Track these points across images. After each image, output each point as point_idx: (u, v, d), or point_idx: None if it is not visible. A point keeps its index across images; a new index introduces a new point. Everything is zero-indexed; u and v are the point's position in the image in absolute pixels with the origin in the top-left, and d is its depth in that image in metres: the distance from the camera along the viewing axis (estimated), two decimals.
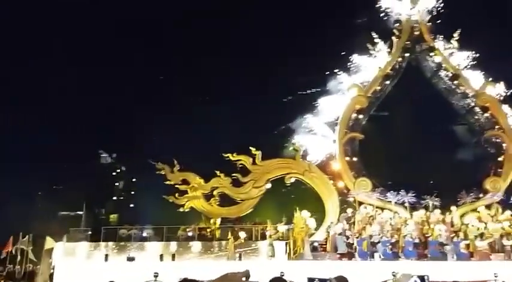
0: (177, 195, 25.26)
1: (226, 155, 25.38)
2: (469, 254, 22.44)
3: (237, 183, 25.63)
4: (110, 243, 23.60)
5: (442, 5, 28.61)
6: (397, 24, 28.70)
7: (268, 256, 22.37)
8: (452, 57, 27.98)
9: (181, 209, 25.16)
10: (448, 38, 28.26)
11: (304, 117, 27.42)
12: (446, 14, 28.62)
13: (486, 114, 27.07)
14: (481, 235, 22.94)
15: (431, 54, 28.23)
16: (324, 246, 23.91)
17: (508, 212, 24.40)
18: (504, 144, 26.28)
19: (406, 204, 24.91)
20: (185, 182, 25.45)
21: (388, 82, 27.84)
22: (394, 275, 17.82)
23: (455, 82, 27.71)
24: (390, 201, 25.06)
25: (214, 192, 25.49)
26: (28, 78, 32.95)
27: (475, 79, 27.68)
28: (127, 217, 26.69)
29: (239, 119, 30.82)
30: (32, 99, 31.52)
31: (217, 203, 25.48)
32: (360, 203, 25.22)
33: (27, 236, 23.68)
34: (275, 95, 30.97)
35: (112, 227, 24.90)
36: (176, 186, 25.32)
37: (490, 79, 27.28)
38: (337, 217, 24.89)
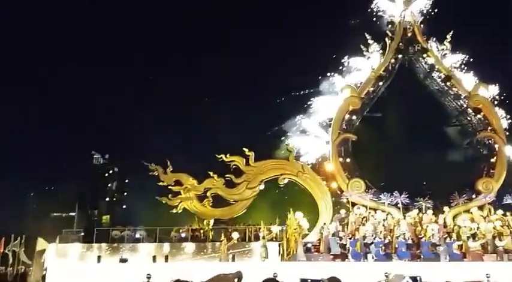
0: (170, 196, 25.19)
1: (219, 156, 25.34)
2: (461, 255, 22.54)
3: (230, 184, 25.60)
4: (103, 245, 23.45)
5: (434, 6, 28.76)
6: (390, 26, 28.83)
7: (261, 257, 22.35)
8: (445, 59, 28.14)
9: (174, 210, 25.09)
10: (440, 40, 28.39)
11: (298, 118, 27.51)
12: (439, 15, 28.77)
13: (479, 116, 27.22)
14: (474, 236, 23.04)
15: (424, 55, 28.38)
16: (317, 247, 23.92)
17: (500, 211, 24.54)
18: (496, 146, 26.42)
19: (400, 205, 24.97)
20: (178, 183, 25.38)
21: (381, 83, 27.95)
22: (386, 276, 17.89)
23: (448, 83, 27.87)
24: (383, 203, 25.11)
25: (208, 193, 25.44)
26: (18, 77, 32.86)
27: (468, 80, 27.83)
28: (120, 218, 26.60)
29: (232, 119, 30.75)
30: (23, 99, 31.39)
31: (211, 204, 25.44)
32: (353, 204, 25.27)
33: (19, 238, 23.52)
34: (268, 96, 30.99)
35: (105, 228, 24.76)
36: (169, 187, 25.25)
37: (483, 81, 27.41)
38: (331, 218, 24.92)
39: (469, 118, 27.71)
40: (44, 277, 22.26)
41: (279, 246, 22.90)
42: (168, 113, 30.30)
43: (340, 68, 28.28)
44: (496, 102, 27.39)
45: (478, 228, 23.58)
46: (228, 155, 25.44)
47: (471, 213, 25.06)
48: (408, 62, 28.80)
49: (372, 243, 22.60)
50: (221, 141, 28.72)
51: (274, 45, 33.00)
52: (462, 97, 27.64)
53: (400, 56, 28.44)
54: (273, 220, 24.20)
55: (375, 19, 29.31)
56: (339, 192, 25.96)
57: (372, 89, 27.72)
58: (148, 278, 18.83)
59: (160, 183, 25.21)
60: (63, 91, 33.21)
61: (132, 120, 31.05)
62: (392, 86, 28.23)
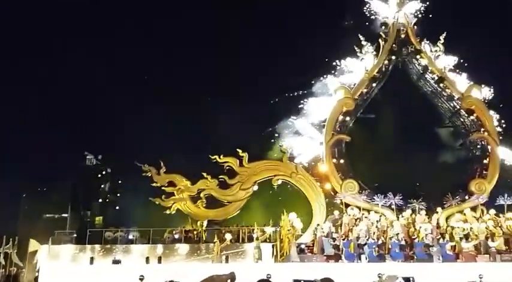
0: (163, 197, 25.12)
1: (213, 157, 25.31)
2: (454, 256, 22.62)
3: (224, 185, 25.57)
4: (96, 246, 23.33)
5: (428, 8, 28.86)
6: (384, 27, 28.91)
7: (255, 259, 22.32)
8: (438, 60, 28.24)
9: (167, 211, 25.02)
10: (434, 41, 28.49)
11: (292, 119, 27.53)
12: (433, 17, 28.88)
13: (472, 117, 27.35)
14: (466, 236, 23.14)
15: (417, 57, 28.48)
16: (311, 248, 23.93)
17: (492, 211, 24.66)
18: (489, 147, 26.54)
19: (393, 206, 25.03)
20: (172, 184, 25.31)
21: (374, 84, 28.02)
22: (380, 277, 17.95)
23: (441, 85, 27.98)
24: (377, 204, 25.17)
25: (201, 194, 25.39)
26: (13, 77, 32.67)
27: (461, 82, 27.95)
28: (113, 219, 26.46)
29: (226, 120, 30.69)
30: (13, 99, 31.20)
31: (204, 205, 25.40)
32: (347, 205, 25.30)
33: (11, 239, 23.35)
34: (262, 97, 30.96)
35: (98, 229, 24.63)
36: (162, 188, 25.18)
37: (476, 82, 27.54)
38: (324, 219, 24.94)
39: (462, 119, 27.83)
40: (36, 279, 22.12)
41: (273, 247, 22.87)
42: (162, 114, 30.20)
43: (334, 69, 28.32)
44: (488, 104, 27.49)
45: (471, 229, 23.68)
46: (221, 156, 25.43)
47: (464, 214, 25.14)
48: (402, 64, 28.90)
49: (366, 244, 22.64)
50: (215, 142, 28.65)
51: (268, 46, 32.98)
52: (455, 98, 27.75)
53: (393, 57, 28.53)
54: (266, 221, 24.18)
55: (368, 21, 29.40)
56: (332, 193, 25.98)
57: (365, 90, 27.79)
58: (141, 279, 18.80)
59: (154, 184, 25.13)
60: (55, 92, 33.05)
61: (125, 121, 30.91)
62: (385, 87, 28.32)
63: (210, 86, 32.78)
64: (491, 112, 27.15)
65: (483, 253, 22.65)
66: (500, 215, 24.51)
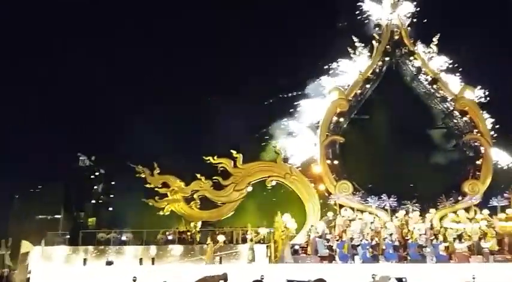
0: (156, 198, 25.04)
1: (207, 158, 25.26)
2: (448, 256, 22.66)
3: (217, 186, 25.53)
4: (89, 247, 23.24)
5: (421, 10, 28.93)
6: (378, 29, 28.94)
7: (248, 260, 22.27)
8: (432, 62, 28.30)
9: (161, 213, 24.94)
10: (427, 43, 28.56)
11: (286, 120, 27.52)
12: (426, 18, 28.96)
13: (465, 118, 27.40)
14: (460, 237, 23.20)
15: (411, 58, 28.50)
16: (305, 249, 23.91)
17: (485, 211, 24.75)
18: (482, 148, 26.62)
19: (387, 207, 25.07)
20: (165, 185, 25.23)
21: (368, 86, 28.03)
22: (373, 277, 17.99)
23: (435, 86, 28.02)
24: (371, 205, 25.20)
25: (195, 196, 25.33)
26: (6, 77, 32.52)
27: (454, 83, 28.03)
28: (106, 221, 26.37)
29: (220, 121, 30.71)
30: (7, 99, 31.05)
31: (198, 206, 25.34)
32: (341, 206, 25.31)
33: (3, 240, 23.21)
34: (256, 98, 30.99)
35: (91, 230, 24.52)
36: (156, 189, 25.10)
37: (469, 83, 27.64)
38: (318, 220, 24.92)
39: (455, 120, 27.88)
40: (28, 280, 21.96)
41: (267, 248, 22.83)
42: (155, 115, 30.17)
43: (328, 70, 28.32)
44: (482, 105, 27.58)
45: (464, 229, 23.74)
46: (215, 157, 25.37)
47: (457, 215, 25.19)
48: (395, 65, 28.92)
49: (359, 245, 22.65)
50: (209, 143, 28.62)
51: (261, 47, 33.04)
52: (449, 100, 27.82)
53: (387, 58, 28.55)
54: (260, 222, 24.15)
55: (362, 22, 29.41)
56: (326, 194, 25.98)
57: (359, 91, 27.80)
58: (135, 280, 18.77)
59: (147, 185, 25.04)
60: (48, 92, 32.94)
61: (118, 121, 30.88)
62: (379, 89, 28.33)
63: (204, 87, 32.82)
64: (485, 113, 27.23)
65: (476, 254, 22.70)
66: (493, 216, 24.57)
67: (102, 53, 33.39)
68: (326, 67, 28.30)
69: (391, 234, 23.15)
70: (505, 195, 25.36)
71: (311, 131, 26.97)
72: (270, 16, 33.98)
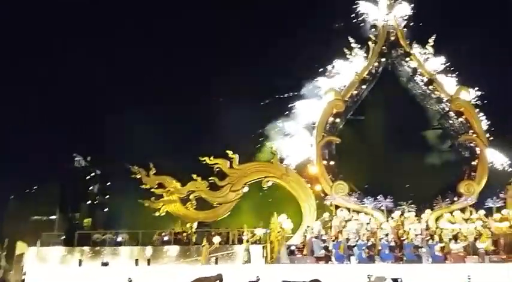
0: (152, 199, 25.00)
1: (203, 159, 25.23)
2: (443, 257, 22.70)
3: (214, 187, 25.50)
4: (84, 248, 23.17)
5: (417, 11, 29.00)
6: (374, 30, 29.00)
7: (243, 261, 22.23)
8: (428, 63, 28.37)
9: (157, 213, 24.89)
10: (423, 44, 28.62)
11: (282, 120, 27.55)
12: (422, 19, 29.03)
13: (460, 119, 27.47)
14: (455, 237, 23.25)
15: (407, 59, 28.55)
16: (301, 249, 23.92)
17: (481, 212, 24.82)
18: (478, 149, 26.70)
19: (383, 208, 25.11)
20: (161, 185, 25.19)
21: (364, 86, 28.08)
22: (369, 278, 18.03)
23: (430, 87, 28.09)
24: (367, 205, 25.25)
25: (191, 196, 25.30)
26: (6, 77, 32.42)
27: (450, 84, 28.10)
28: (101, 221, 26.29)
29: (216, 122, 30.65)
30: (3, 99, 30.94)
31: (194, 207, 25.32)
32: (337, 207, 25.33)
33: None
34: (252, 98, 30.97)
35: (86, 231, 24.45)
36: (152, 190, 25.05)
37: (464, 84, 27.72)
38: (314, 221, 24.94)
39: (451, 121, 27.95)
40: (23, 281, 21.88)
41: (263, 249, 22.82)
42: (151, 115, 30.09)
43: (324, 71, 28.34)
44: (477, 106, 27.68)
45: (460, 230, 23.80)
46: (211, 158, 25.34)
47: (453, 215, 25.25)
48: (391, 66, 29.00)
49: (355, 245, 22.67)
50: (205, 144, 28.58)
51: (257, 48, 32.96)
52: (444, 100, 27.89)
53: (383, 59, 28.61)
54: (257, 223, 24.13)
55: (358, 23, 29.46)
56: (322, 194, 26.00)
57: (355, 92, 27.83)
58: (130, 281, 18.71)
59: (143, 186, 24.99)
60: (44, 92, 32.81)
61: (114, 122, 30.74)
62: (375, 90, 28.40)
63: (200, 88, 32.70)
64: (480, 113, 27.32)
65: (472, 254, 22.75)
66: (489, 217, 24.64)
67: (100, 52, 33.28)
68: (322, 68, 28.33)
69: (387, 235, 23.19)
70: (500, 195, 25.51)
71: (307, 132, 27.00)
72: (265, 17, 33.95)
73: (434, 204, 25.59)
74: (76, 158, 26.16)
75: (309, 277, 16.94)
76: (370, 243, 22.87)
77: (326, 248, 22.90)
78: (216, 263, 22.21)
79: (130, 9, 35.25)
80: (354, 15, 29.35)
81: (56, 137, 30.27)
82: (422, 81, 28.27)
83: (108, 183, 26.79)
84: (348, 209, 25.27)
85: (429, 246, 22.63)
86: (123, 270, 21.02)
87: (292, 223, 24.24)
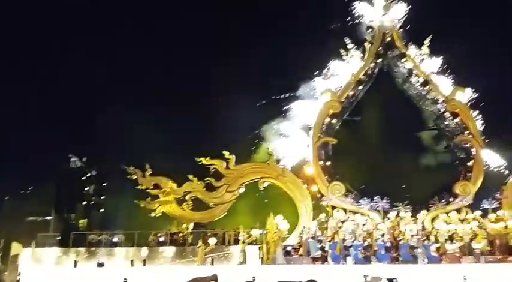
0: (148, 199, 24.95)
1: (199, 159, 25.20)
2: (439, 257, 22.74)
3: (210, 188, 25.48)
4: (80, 249, 23.11)
5: (413, 12, 29.06)
6: (370, 31, 29.05)
7: (239, 262, 22.19)
8: (423, 63, 28.43)
9: (153, 214, 24.85)
10: (419, 45, 28.69)
11: (278, 121, 27.56)
12: (418, 20, 29.09)
13: (456, 120, 27.56)
14: (451, 238, 23.30)
15: (402, 60, 28.63)
16: (298, 250, 23.91)
17: (477, 212, 24.89)
18: (473, 149, 26.78)
19: (379, 209, 25.14)
20: (157, 186, 25.16)
21: (360, 87, 28.17)
22: (365, 278, 18.05)
23: (426, 88, 28.18)
24: (363, 206, 25.28)
25: (187, 197, 25.27)
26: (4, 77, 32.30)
27: (446, 85, 28.17)
28: (97, 222, 26.21)
29: (212, 122, 30.65)
30: None
31: (190, 208, 25.28)
32: (333, 207, 25.34)
33: None
34: (248, 99, 30.94)
35: (82, 232, 24.39)
36: (148, 190, 25.01)
37: (460, 85, 27.79)
38: (311, 221, 24.93)
39: (446, 122, 28.05)
40: None
41: (259, 249, 22.79)
42: (147, 116, 30.03)
43: (320, 72, 28.36)
44: (473, 106, 27.76)
45: (455, 230, 23.85)
46: (208, 158, 25.31)
47: (449, 216, 25.31)
48: (387, 67, 29.06)
49: (351, 246, 22.68)
50: (201, 144, 28.55)
51: (254, 49, 32.93)
52: (440, 101, 27.98)
53: (379, 60, 28.69)
54: (253, 223, 24.11)
55: (354, 24, 29.52)
56: (319, 195, 26.01)
57: (351, 93, 27.92)
58: None
59: (139, 187, 24.94)
60: (39, 92, 32.72)
61: (110, 122, 30.68)
62: (371, 90, 28.46)
63: (197, 89, 32.67)
64: (476, 114, 27.39)
65: (467, 254, 22.80)
66: (484, 218, 24.71)
67: (97, 52, 33.20)
68: (318, 69, 28.35)
69: (383, 235, 23.21)
70: (496, 196, 25.59)
71: (303, 133, 27.03)
72: (262, 18, 33.98)
73: (430, 205, 25.66)
74: (72, 159, 26.06)
75: (305, 277, 16.91)
76: (366, 243, 22.89)
77: (322, 249, 22.90)
78: (212, 263, 22.18)
79: (130, 9, 35.18)
80: (349, 16, 29.41)
81: (52, 138, 30.17)
82: (418, 82, 28.35)
83: (104, 184, 26.71)
84: (344, 210, 25.30)
85: (425, 247, 22.66)
86: (119, 271, 20.95)
87: (289, 223, 24.22)
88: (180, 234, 24.19)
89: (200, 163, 25.22)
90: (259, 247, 22.85)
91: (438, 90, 27.92)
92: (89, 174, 26.10)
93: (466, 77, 28.07)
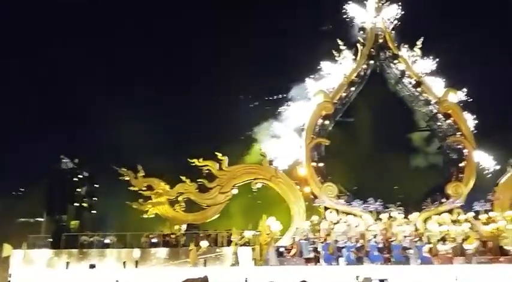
0: (141, 201, 24.87)
1: (192, 161, 25.15)
2: (431, 258, 22.76)
3: (203, 189, 25.43)
4: (72, 250, 23.02)
5: (405, 13, 29.17)
6: (362, 32, 29.12)
7: (231, 264, 22.13)
8: (416, 65, 28.53)
9: (145, 215, 24.76)
10: (411, 46, 28.78)
11: (271, 123, 27.58)
12: (410, 22, 29.20)
13: (448, 121, 27.66)
14: (443, 239, 23.36)
15: (395, 61, 28.71)
16: (290, 250, 23.85)
17: (470, 214, 24.98)
18: (465, 150, 26.88)
19: (372, 210, 25.17)
20: (150, 187, 25.08)
21: (353, 89, 28.21)
22: (357, 279, 18.07)
23: (418, 89, 28.28)
24: (356, 207, 25.30)
25: (180, 198, 25.21)
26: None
27: (438, 86, 28.27)
28: (89, 224, 26.09)
29: (206, 124, 30.66)
30: None
31: (183, 209, 25.21)
32: (326, 208, 25.35)
33: None
34: (242, 101, 31.01)
35: (73, 233, 24.29)
36: (140, 192, 24.93)
37: (452, 86, 27.91)
38: (303, 222, 24.92)
39: (439, 123, 28.15)
40: None
41: (252, 250, 22.75)
42: (140, 117, 30.00)
43: (313, 73, 28.40)
44: (465, 107, 27.88)
45: (447, 231, 23.93)
46: (201, 160, 25.26)
47: (441, 217, 25.36)
48: (380, 68, 29.13)
49: (344, 247, 22.67)
50: (194, 146, 28.51)
51: (247, 50, 32.99)
52: (432, 103, 28.07)
53: (371, 61, 28.75)
54: (246, 224, 24.08)
55: (347, 26, 29.58)
56: (312, 196, 26.00)
57: (344, 94, 27.95)
58: None
59: (131, 188, 24.86)
60: (29, 92, 32.58)
61: (102, 123, 30.63)
62: (364, 92, 28.51)
63: (189, 90, 32.65)
64: (467, 115, 27.51)
65: (459, 255, 22.85)
66: (476, 219, 24.82)
67: (93, 53, 33.12)
68: (311, 70, 28.39)
69: (375, 236, 23.23)
70: (488, 197, 25.70)
71: (296, 134, 27.04)
72: (255, 19, 34.02)
73: (424, 207, 25.71)
74: (63, 160, 25.92)
75: (298, 278, 16.86)
76: (358, 244, 22.89)
77: (315, 250, 22.88)
78: (205, 265, 22.11)
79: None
80: (342, 18, 29.47)
81: (43, 139, 30.07)
82: (410, 83, 28.44)
83: (96, 185, 26.60)
84: (337, 211, 25.31)
85: (417, 248, 22.69)
86: (111, 273, 20.84)
87: (281, 225, 24.19)
88: (173, 236, 24.12)
89: (193, 164, 25.16)
90: (252, 248, 22.80)
91: (430, 92, 28.03)
92: (80, 176, 25.95)
93: (458, 78, 28.23)
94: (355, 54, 28.61)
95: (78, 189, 25.91)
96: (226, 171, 25.68)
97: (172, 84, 33.06)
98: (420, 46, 28.64)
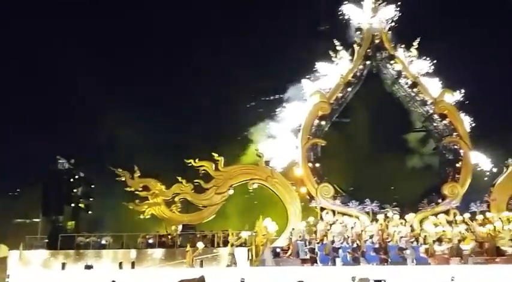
0: (137, 201, 24.86)
1: (188, 161, 25.15)
2: (428, 258, 22.84)
3: (199, 190, 25.43)
4: (68, 251, 22.99)
5: (402, 14, 29.20)
6: (358, 32, 29.14)
7: (227, 265, 22.14)
8: (412, 65, 28.56)
9: (141, 216, 24.76)
10: (408, 46, 28.82)
11: (267, 123, 27.60)
12: (406, 22, 29.24)
13: (444, 121, 27.72)
14: (440, 239, 23.42)
15: (391, 62, 28.73)
16: (286, 251, 23.90)
17: (466, 215, 25.05)
18: (462, 151, 26.95)
19: (368, 210, 25.23)
20: (146, 188, 25.07)
21: (349, 89, 28.22)
22: (353, 280, 18.11)
23: (415, 90, 28.30)
24: (352, 208, 25.35)
25: (176, 199, 25.20)
26: None
27: (434, 87, 28.32)
28: (85, 224, 26.07)
29: (201, 124, 30.64)
30: None
31: (179, 210, 25.21)
32: (322, 209, 25.39)
33: None
34: (238, 101, 30.99)
35: (70, 234, 24.26)
36: (136, 192, 24.92)
37: (448, 87, 27.96)
38: (300, 223, 24.96)
39: (435, 124, 28.21)
40: None
41: (248, 251, 22.77)
42: (136, 117, 29.98)
43: (309, 73, 28.41)
44: (461, 108, 27.94)
45: (443, 232, 23.99)
46: (197, 160, 25.26)
47: (437, 217, 25.43)
48: (376, 68, 29.16)
49: (340, 247, 22.72)
50: (190, 146, 28.51)
51: (243, 50, 32.99)
52: (428, 103, 28.11)
53: (368, 62, 28.77)
54: (242, 225, 24.10)
55: (343, 26, 29.59)
56: (308, 197, 26.04)
57: (340, 94, 27.96)
58: None
59: (128, 189, 24.85)
60: (25, 90, 32.51)
61: (99, 123, 30.57)
62: (360, 92, 28.55)
63: (185, 89, 32.61)
64: (464, 116, 27.58)
65: (455, 256, 22.92)
66: (473, 220, 24.89)
67: (87, 53, 33.01)
68: (307, 70, 28.41)
69: (371, 237, 23.28)
70: (484, 198, 25.78)
71: (292, 134, 27.05)
72: (251, 19, 34.02)
73: (420, 208, 25.77)
74: (60, 160, 25.87)
75: (294, 279, 16.91)
76: (355, 245, 22.94)
77: (311, 250, 22.92)
78: (201, 265, 22.10)
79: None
80: (338, 18, 29.47)
81: (39, 139, 29.98)
82: (406, 83, 28.46)
83: (92, 186, 26.57)
84: (333, 211, 25.34)
85: (413, 248, 22.75)
86: (107, 274, 20.78)
87: (278, 225, 24.22)
88: (169, 236, 24.13)
89: (189, 165, 25.16)
90: (248, 249, 22.81)
91: (427, 92, 28.06)
92: (77, 176, 25.89)
93: (455, 79, 28.27)
94: (352, 54, 28.61)
95: (75, 190, 25.82)
96: (223, 172, 25.68)
97: (170, 85, 33.04)
98: (416, 46, 28.68)
